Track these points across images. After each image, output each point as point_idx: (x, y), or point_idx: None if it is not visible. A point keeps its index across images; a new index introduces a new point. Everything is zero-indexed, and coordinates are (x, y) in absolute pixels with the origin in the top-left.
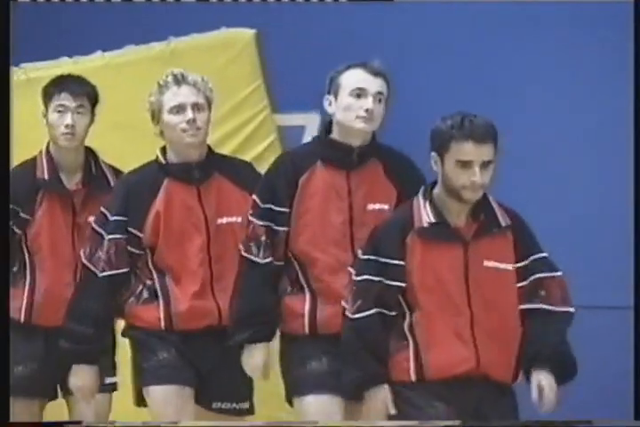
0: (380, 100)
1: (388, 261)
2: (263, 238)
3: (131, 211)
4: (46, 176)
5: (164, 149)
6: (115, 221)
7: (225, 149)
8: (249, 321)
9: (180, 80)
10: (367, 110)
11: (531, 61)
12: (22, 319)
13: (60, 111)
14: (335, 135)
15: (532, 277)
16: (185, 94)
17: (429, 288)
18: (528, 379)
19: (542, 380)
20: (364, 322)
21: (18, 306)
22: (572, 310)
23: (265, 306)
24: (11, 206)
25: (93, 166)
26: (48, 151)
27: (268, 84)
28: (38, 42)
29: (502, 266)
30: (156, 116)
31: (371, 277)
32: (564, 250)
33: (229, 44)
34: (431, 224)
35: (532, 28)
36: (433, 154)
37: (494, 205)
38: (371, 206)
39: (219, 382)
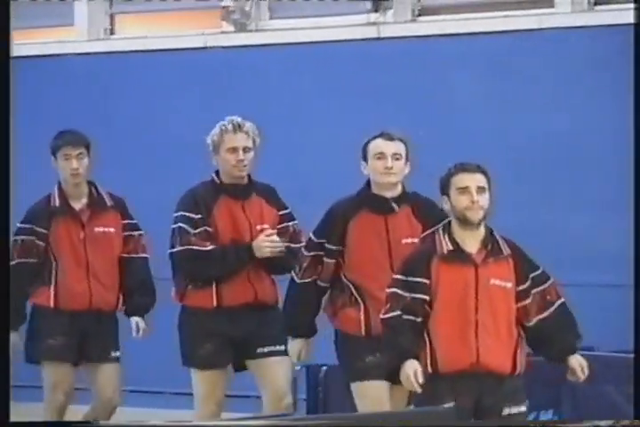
0: (397, 159)
1: (414, 279)
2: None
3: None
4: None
5: (217, 173)
6: None
7: None
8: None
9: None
10: (386, 168)
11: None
12: (52, 305)
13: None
14: (374, 190)
15: (534, 291)
16: (239, 139)
17: (447, 301)
18: (560, 362)
19: (580, 360)
20: (389, 320)
21: (46, 296)
22: (563, 300)
23: None
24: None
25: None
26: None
27: None
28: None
29: (504, 284)
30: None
31: (397, 291)
32: None
33: None
34: (450, 251)
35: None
36: (443, 197)
37: (498, 237)
38: (404, 241)
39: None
